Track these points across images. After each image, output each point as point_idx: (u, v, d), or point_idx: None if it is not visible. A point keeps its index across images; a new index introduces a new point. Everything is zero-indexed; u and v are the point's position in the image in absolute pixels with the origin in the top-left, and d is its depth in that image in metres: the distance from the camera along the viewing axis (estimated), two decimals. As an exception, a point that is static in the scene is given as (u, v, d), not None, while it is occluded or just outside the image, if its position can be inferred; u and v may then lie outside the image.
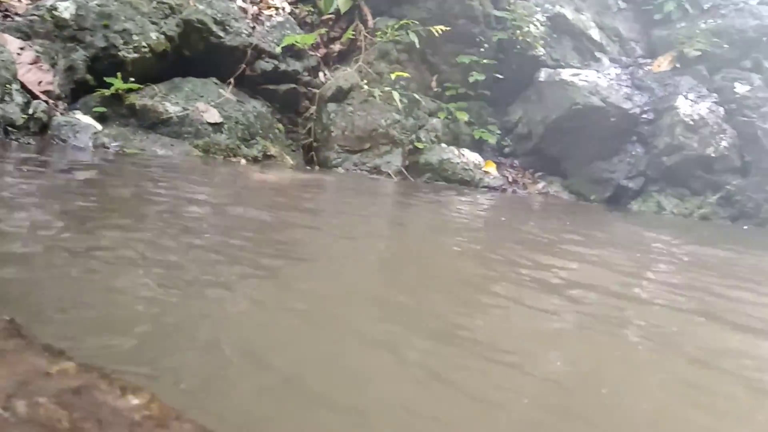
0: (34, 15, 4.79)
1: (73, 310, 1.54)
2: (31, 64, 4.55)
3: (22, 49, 4.56)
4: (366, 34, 6.14)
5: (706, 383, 1.71)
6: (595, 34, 6.99)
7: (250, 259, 2.25)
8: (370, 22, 6.25)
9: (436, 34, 6.03)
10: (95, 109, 4.80)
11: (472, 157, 6.13)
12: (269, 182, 4.65)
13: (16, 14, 4.89)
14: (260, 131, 5.43)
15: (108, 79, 4.81)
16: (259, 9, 5.95)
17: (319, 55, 6.09)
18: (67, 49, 4.83)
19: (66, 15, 4.84)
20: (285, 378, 1.36)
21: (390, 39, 6.09)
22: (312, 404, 1.26)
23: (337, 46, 6.23)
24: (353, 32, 6.17)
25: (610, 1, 7.42)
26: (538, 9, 6.78)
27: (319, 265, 2.43)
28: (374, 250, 2.93)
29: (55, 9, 4.82)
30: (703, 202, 6.18)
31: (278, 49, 5.71)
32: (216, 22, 5.43)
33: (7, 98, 4.19)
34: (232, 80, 5.45)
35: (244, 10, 5.82)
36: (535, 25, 6.64)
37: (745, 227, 5.99)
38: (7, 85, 4.20)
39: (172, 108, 5.02)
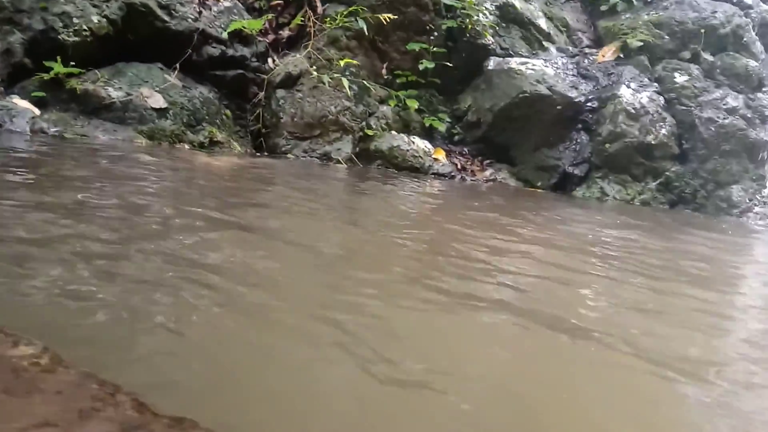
0: (-32, -4, 4.64)
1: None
2: (-36, 46, 4.41)
3: (-46, 30, 4.41)
4: (315, 21, 6.12)
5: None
6: (543, 23, 7.12)
7: (188, 259, 2.24)
8: (320, 8, 6.24)
9: (385, 22, 6.06)
10: (34, 94, 4.68)
11: (422, 144, 6.20)
12: (216, 168, 4.63)
13: (-51, -6, 4.72)
14: (207, 117, 5.38)
15: (47, 63, 4.70)
16: (206, -7, 5.87)
17: (267, 40, 6.05)
18: (3, 32, 4.70)
19: (2, -4, 4.70)
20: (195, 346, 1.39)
21: (339, 25, 6.09)
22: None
23: (285, 32, 6.20)
24: (302, 18, 6.15)
25: (558, -8, 7.56)
26: (488, -2, 6.87)
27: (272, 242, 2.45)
28: (323, 238, 2.96)
29: (-10, -10, 4.68)
30: (643, 188, 6.39)
31: (225, 35, 5.65)
32: (161, 6, 5.34)
33: (-63, 81, 4.06)
34: (177, 66, 5.38)
35: (191, -5, 5.73)
36: (484, 14, 6.73)
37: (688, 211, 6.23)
38: (-62, 68, 4.07)
39: (115, 93, 4.93)
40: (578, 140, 6.55)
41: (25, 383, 0.75)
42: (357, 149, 5.96)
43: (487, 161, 6.65)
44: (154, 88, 5.12)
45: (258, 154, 5.67)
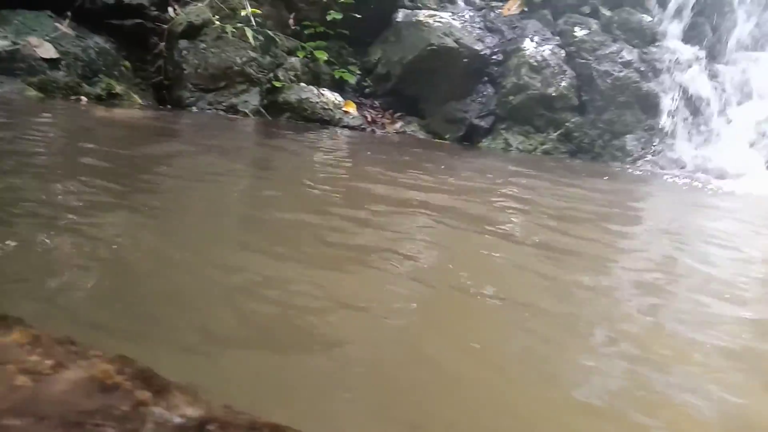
0: None
1: None
2: None
3: None
4: (218, -32, 5.93)
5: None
6: (451, -24, 7.17)
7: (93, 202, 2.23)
8: (222, -45, 6.04)
9: (291, -29, 5.95)
10: None
11: (332, 96, 6.21)
12: (116, 121, 4.50)
13: None
14: (104, 68, 5.18)
15: None
16: (99, -64, 5.56)
17: (167, -12, 5.83)
18: None
19: None
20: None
21: (243, -26, 5.93)
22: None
23: (187, -20, 5.98)
24: (204, -35, 5.94)
25: (467, -56, 7.61)
26: (396, -51, 6.84)
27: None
28: (234, 190, 2.98)
29: None
30: (545, 138, 6.67)
31: (121, -19, 5.40)
32: (47, -52, 5.04)
33: None
34: (69, 14, 5.12)
35: (81, -63, 5.42)
36: (393, -35, 6.71)
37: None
38: None
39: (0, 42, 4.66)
40: (484, 93, 6.73)
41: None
42: (265, 101, 5.91)
43: (398, 114, 6.74)
44: (43, 38, 4.87)
45: (161, 107, 5.53)
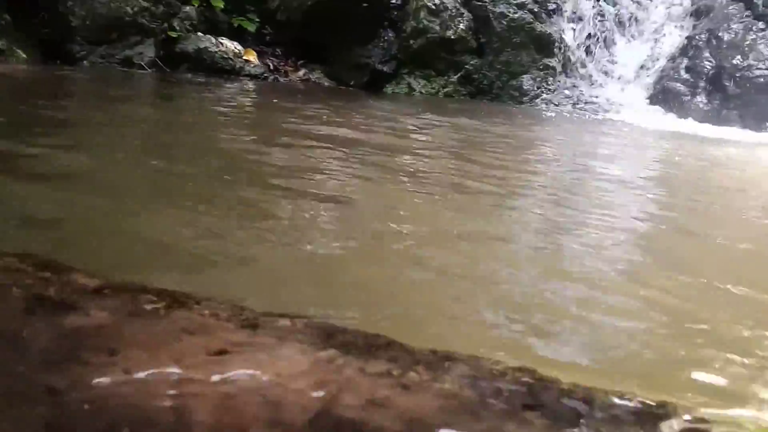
0: None
1: None
2: None
3: None
4: None
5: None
6: None
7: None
8: None
9: None
10: None
11: (231, 45, 6.09)
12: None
13: None
14: (-21, 21, 4.84)
15: None
16: None
17: (43, -67, 5.44)
18: None
19: None
20: None
21: None
22: None
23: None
24: None
25: None
26: None
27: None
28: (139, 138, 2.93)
29: None
30: (446, 81, 6.85)
31: (-10, -75, 5.01)
32: None
33: None
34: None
35: None
36: None
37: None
38: None
39: None
40: (386, 38, 6.79)
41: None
42: (161, 53, 5.72)
43: (301, 61, 6.70)
44: None
45: (49, 63, 5.25)
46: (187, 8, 5.99)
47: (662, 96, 7.15)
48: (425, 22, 6.62)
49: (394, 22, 6.80)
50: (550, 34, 7.22)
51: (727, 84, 6.89)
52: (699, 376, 1.08)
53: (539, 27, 7.16)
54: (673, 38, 7.59)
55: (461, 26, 6.78)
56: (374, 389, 0.66)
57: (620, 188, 3.23)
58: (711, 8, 7.57)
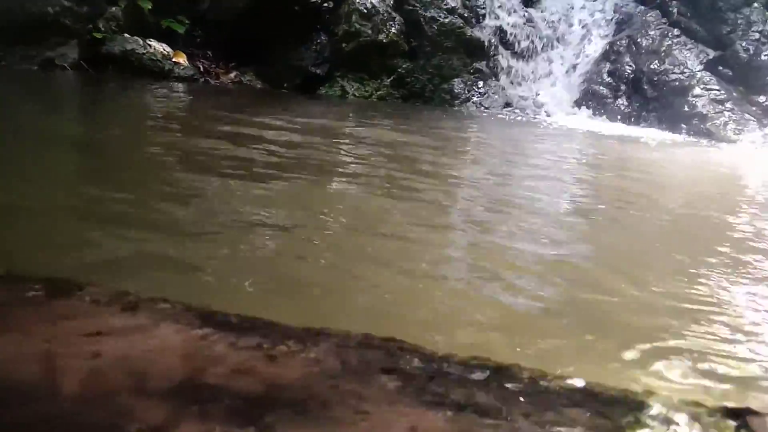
0: None
1: None
2: None
3: None
4: None
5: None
6: None
7: None
8: None
9: None
10: None
11: (159, 47, 5.99)
12: None
13: None
14: None
15: None
16: None
17: (-44, -71, 5.23)
18: None
19: None
20: None
21: None
22: None
23: None
24: None
25: None
26: None
27: None
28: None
29: None
30: (380, 84, 6.93)
31: None
32: None
33: None
34: None
35: None
36: None
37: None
38: None
39: None
40: (318, 41, 6.82)
41: None
42: (86, 54, 5.58)
43: (233, 64, 6.65)
44: None
45: (-37, 62, 5.04)
46: (113, 9, 5.87)
47: (587, 98, 7.45)
48: (357, 26, 6.69)
49: (327, 25, 6.83)
50: (479, 38, 7.41)
51: (645, 87, 7.24)
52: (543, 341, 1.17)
53: (469, 31, 7.34)
54: (597, 44, 7.92)
55: (393, 30, 6.89)
56: (242, 361, 0.70)
57: (547, 183, 3.37)
58: (631, 15, 7.95)
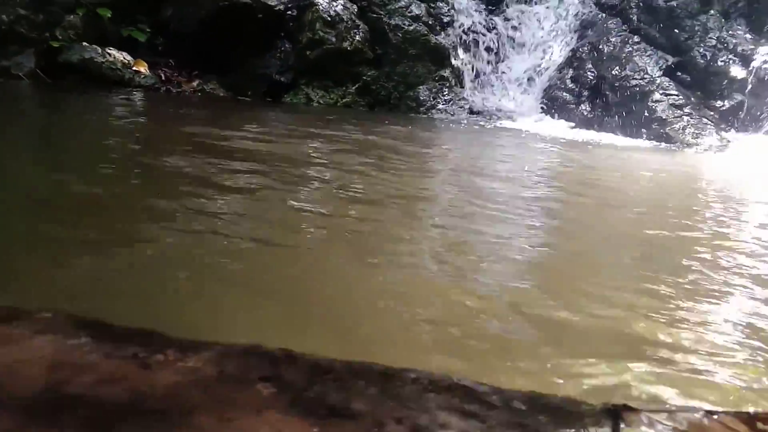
0: None
1: None
2: None
3: None
4: None
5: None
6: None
7: None
8: None
9: None
10: None
11: (119, 56, 5.92)
12: None
13: None
14: None
15: None
16: None
17: None
18: None
19: None
20: None
21: None
22: None
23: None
24: None
25: None
26: None
27: None
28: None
29: None
30: (345, 92, 6.93)
31: None
32: None
33: None
34: None
35: None
36: None
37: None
38: None
39: None
40: (283, 48, 6.80)
41: None
42: (43, 63, 5.49)
43: (195, 72, 6.60)
44: None
45: None
46: (71, 17, 5.79)
47: (551, 104, 7.54)
48: (321, 34, 6.69)
49: (291, 33, 6.82)
50: (444, 45, 7.46)
51: (607, 93, 7.35)
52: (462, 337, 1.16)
53: (434, 39, 7.38)
54: (560, 50, 8.03)
55: (357, 38, 6.90)
56: (113, 369, 0.68)
57: (512, 187, 3.39)
58: (593, 22, 8.07)
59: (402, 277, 1.70)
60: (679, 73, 7.32)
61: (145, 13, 6.50)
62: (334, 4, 6.82)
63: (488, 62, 7.82)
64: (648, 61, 7.42)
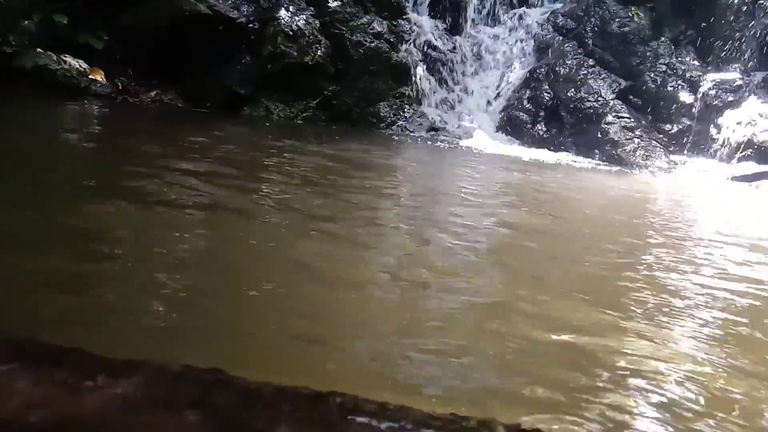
0: None
1: None
2: None
3: None
4: None
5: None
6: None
7: None
8: None
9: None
10: None
11: (75, 63, 5.83)
12: None
13: None
14: None
15: None
16: None
17: None
18: None
19: None
20: None
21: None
22: None
23: None
24: None
25: None
26: None
27: None
28: None
29: None
30: (305, 106, 6.96)
31: None
32: None
33: None
34: None
35: None
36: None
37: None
38: None
39: None
40: (243, 61, 6.79)
41: None
42: (-6, 69, 5.36)
43: (154, 81, 6.53)
44: None
45: None
46: (26, 22, 5.68)
47: (508, 124, 7.70)
48: (282, 47, 6.70)
49: (252, 46, 6.82)
50: (405, 63, 7.56)
51: (563, 114, 7.55)
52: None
53: (395, 56, 7.48)
54: (518, 71, 8.22)
55: (319, 52, 6.93)
56: (40, 396, 0.69)
57: (468, 205, 3.45)
58: (550, 45, 8.29)
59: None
60: (631, 97, 7.57)
61: (103, 20, 6.41)
62: (297, 18, 6.86)
63: (448, 81, 7.94)
64: (602, 84, 7.66)
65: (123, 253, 1.86)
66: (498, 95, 8.01)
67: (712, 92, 7.26)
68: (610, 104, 7.44)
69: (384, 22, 7.55)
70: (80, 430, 0.62)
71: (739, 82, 7.19)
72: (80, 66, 5.82)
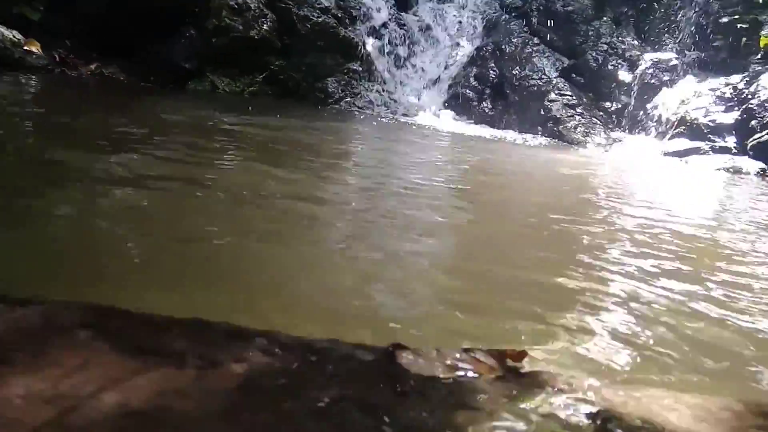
0: None
1: None
2: None
3: None
4: None
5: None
6: None
7: None
8: None
9: None
10: None
11: (8, 34, 5.64)
12: None
13: None
14: None
15: None
16: None
17: None
18: None
19: None
20: None
21: None
22: None
23: None
24: None
25: None
26: None
27: None
28: None
29: None
30: (252, 80, 6.92)
31: None
32: None
33: None
34: None
35: None
36: None
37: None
38: None
39: None
40: (188, 34, 6.70)
41: None
42: None
43: (94, 54, 6.38)
44: None
45: None
46: (-45, -9, 5.46)
47: (454, 101, 7.82)
48: (227, 21, 6.64)
49: (197, 19, 6.72)
50: (353, 39, 7.58)
51: (507, 91, 7.71)
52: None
53: (343, 32, 7.48)
54: (465, 49, 8.33)
55: (265, 27, 6.89)
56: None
57: (417, 188, 3.53)
58: (497, 23, 8.42)
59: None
60: (573, 75, 7.78)
61: (41, -9, 6.22)
62: (242, -8, 6.78)
63: (396, 58, 8.00)
64: (546, 62, 7.85)
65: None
66: (445, 72, 8.11)
67: (650, 71, 7.52)
68: (553, 82, 7.63)
69: (332, -3, 7.53)
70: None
71: (675, 62, 7.46)
72: (14, 36, 5.65)
